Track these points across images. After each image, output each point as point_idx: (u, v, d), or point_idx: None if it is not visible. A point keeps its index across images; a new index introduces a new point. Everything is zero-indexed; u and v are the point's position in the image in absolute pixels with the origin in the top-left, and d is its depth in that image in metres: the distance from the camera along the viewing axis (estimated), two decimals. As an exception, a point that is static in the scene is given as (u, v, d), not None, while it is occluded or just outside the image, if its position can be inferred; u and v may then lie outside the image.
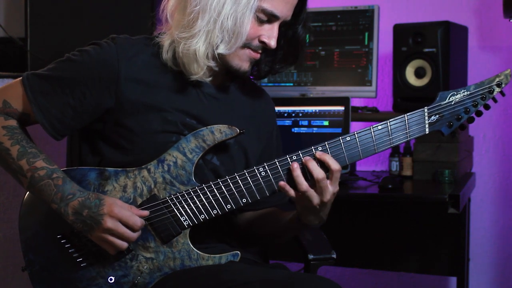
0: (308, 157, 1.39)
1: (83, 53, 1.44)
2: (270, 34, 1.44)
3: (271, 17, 1.43)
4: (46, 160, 1.40)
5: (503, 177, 2.81)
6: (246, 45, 1.44)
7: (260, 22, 1.43)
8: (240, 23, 1.39)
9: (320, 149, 1.40)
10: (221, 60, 1.45)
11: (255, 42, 1.44)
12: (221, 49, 1.42)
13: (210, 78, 1.50)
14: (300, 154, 1.41)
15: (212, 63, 1.45)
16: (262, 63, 1.54)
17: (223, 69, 1.49)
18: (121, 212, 1.36)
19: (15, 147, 1.40)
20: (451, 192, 2.09)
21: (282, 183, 1.39)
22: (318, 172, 1.37)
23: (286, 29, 1.51)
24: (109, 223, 1.35)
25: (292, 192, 1.38)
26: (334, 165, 1.38)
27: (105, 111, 1.45)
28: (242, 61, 1.45)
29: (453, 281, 2.70)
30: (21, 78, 1.44)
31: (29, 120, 1.46)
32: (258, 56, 1.47)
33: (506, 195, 2.81)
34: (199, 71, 1.44)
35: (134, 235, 1.38)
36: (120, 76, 1.43)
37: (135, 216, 1.38)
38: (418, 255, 2.39)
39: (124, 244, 1.38)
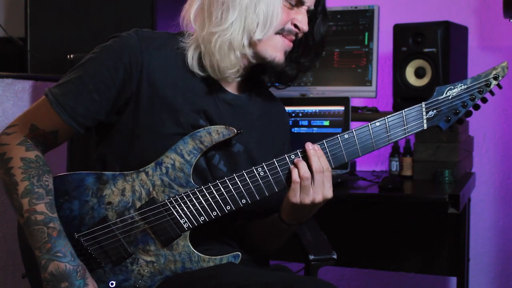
0: (311, 146, 1.40)
1: (103, 47, 1.44)
2: (301, 19, 1.46)
3: (298, 3, 1.46)
4: (48, 205, 1.35)
5: (503, 177, 2.81)
6: (279, 31, 1.45)
7: (290, 6, 1.45)
8: (273, 6, 1.42)
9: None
10: (255, 54, 1.45)
11: (288, 26, 1.46)
12: (258, 35, 1.42)
13: (238, 79, 1.51)
14: (299, 153, 1.42)
15: (248, 51, 1.44)
16: (291, 63, 1.53)
17: (251, 73, 1.49)
18: None
19: (24, 183, 1.36)
20: (451, 192, 2.09)
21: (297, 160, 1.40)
22: (318, 165, 1.39)
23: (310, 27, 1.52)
24: None
25: (296, 175, 1.39)
26: (326, 164, 1.40)
27: (124, 101, 1.43)
28: (276, 51, 1.46)
29: (453, 281, 2.71)
30: (44, 96, 1.42)
31: (57, 137, 1.43)
32: (291, 44, 1.48)
33: (506, 195, 2.81)
34: (235, 62, 1.44)
35: None
36: (144, 66, 1.42)
37: None
38: (418, 255, 2.39)
39: None
